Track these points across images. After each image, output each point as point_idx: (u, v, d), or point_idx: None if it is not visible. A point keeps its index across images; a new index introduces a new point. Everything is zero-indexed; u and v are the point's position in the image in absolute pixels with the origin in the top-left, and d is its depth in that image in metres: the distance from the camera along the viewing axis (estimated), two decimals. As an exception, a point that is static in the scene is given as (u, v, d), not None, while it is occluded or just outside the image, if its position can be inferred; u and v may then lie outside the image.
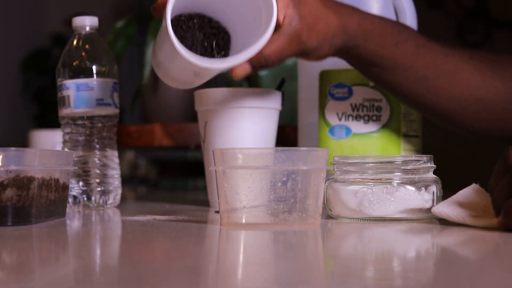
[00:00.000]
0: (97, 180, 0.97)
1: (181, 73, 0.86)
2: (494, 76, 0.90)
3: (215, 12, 0.88)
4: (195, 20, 0.87)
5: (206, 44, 0.86)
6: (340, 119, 0.97)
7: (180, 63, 0.82)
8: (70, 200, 0.96)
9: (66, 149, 0.97)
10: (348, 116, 0.96)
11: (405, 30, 0.88)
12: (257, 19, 0.84)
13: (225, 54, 0.87)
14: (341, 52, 0.87)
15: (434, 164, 0.79)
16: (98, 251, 0.64)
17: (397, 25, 0.89)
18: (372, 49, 0.86)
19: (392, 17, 1.03)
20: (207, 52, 0.87)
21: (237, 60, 0.83)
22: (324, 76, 0.99)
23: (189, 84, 0.88)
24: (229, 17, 0.88)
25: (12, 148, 0.75)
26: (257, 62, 0.84)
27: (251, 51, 0.83)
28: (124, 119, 2.08)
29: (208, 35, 0.87)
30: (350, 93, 0.96)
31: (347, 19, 0.85)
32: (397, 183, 0.77)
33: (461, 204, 0.73)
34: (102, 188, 0.97)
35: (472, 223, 0.70)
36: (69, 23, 1.03)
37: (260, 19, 0.84)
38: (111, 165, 0.98)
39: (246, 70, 0.84)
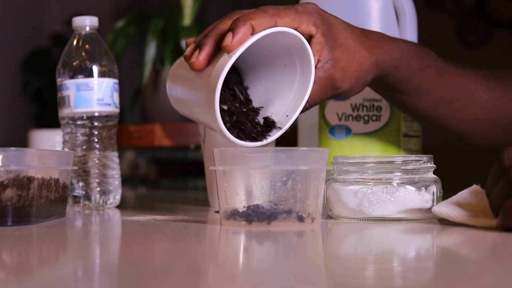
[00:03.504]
0: (97, 180, 0.97)
1: (203, 122, 0.81)
2: (504, 95, 0.92)
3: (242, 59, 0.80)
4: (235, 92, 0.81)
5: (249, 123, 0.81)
6: (340, 119, 0.97)
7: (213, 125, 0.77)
8: (70, 200, 0.96)
9: (66, 149, 0.97)
10: (348, 116, 0.96)
11: (426, 54, 0.88)
12: (288, 58, 0.80)
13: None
14: (370, 83, 0.86)
15: (434, 164, 0.79)
16: (98, 251, 0.64)
17: (420, 49, 0.87)
18: (399, 76, 0.85)
19: (392, 17, 1.03)
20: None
21: (278, 135, 0.80)
22: (324, 76, 0.99)
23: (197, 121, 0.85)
24: (255, 61, 0.83)
25: (12, 148, 0.74)
26: None
27: (291, 120, 0.80)
28: (124, 119, 2.08)
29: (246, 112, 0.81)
30: (350, 93, 0.96)
31: (379, 52, 0.83)
32: (397, 183, 0.77)
33: (461, 205, 0.73)
34: (102, 188, 0.97)
35: (472, 223, 0.70)
36: (69, 23, 1.03)
37: (293, 60, 0.80)
38: (111, 165, 0.98)
39: None
